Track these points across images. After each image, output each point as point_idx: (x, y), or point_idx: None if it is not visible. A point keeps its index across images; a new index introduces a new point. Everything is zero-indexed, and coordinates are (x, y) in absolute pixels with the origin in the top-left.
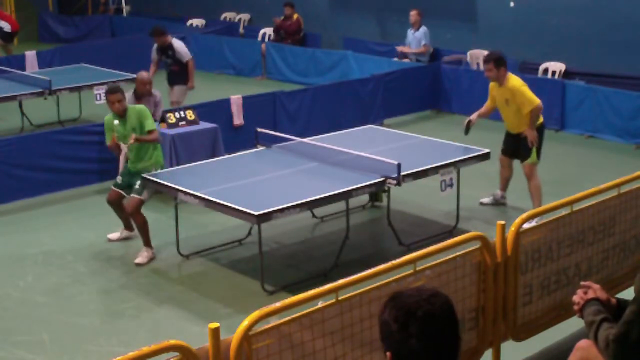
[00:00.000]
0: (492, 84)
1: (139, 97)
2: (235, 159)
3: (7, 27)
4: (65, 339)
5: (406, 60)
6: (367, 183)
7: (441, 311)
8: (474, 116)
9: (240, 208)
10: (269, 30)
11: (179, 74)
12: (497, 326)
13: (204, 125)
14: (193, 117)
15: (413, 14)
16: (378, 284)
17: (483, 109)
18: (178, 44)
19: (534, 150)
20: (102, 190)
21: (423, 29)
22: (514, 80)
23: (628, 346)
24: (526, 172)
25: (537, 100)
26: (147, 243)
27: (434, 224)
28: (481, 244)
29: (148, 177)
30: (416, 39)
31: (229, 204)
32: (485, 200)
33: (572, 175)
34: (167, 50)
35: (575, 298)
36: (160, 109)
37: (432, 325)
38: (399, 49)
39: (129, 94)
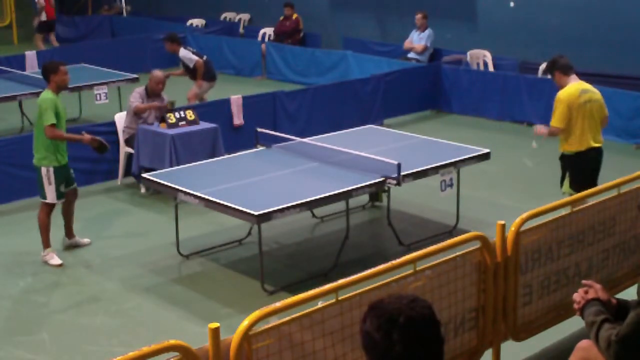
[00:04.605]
0: (572, 92)
1: (150, 95)
2: (235, 159)
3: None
4: (65, 339)
5: (410, 57)
6: (367, 183)
7: (422, 315)
8: None
9: (240, 208)
10: (269, 30)
11: (193, 77)
12: (497, 326)
13: (204, 125)
14: (193, 117)
15: (419, 17)
16: (378, 284)
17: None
18: (183, 53)
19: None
20: (103, 190)
21: (429, 31)
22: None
23: (630, 348)
24: None
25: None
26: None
27: (434, 224)
28: (481, 244)
29: (148, 177)
30: (421, 41)
31: (229, 204)
32: None
33: None
34: (179, 59)
35: (576, 297)
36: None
37: (414, 330)
38: (406, 43)
39: (140, 89)
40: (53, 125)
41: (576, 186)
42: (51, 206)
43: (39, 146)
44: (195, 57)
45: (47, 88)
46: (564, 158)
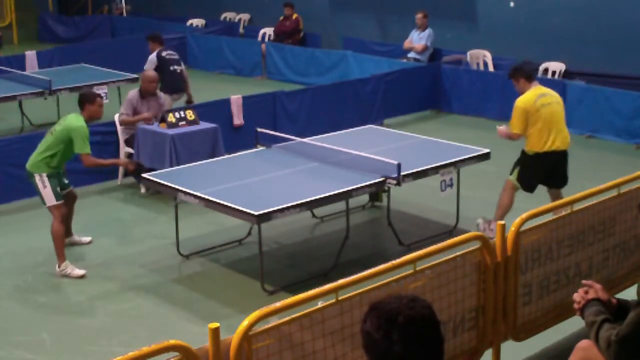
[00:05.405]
0: (529, 99)
1: (144, 95)
2: (235, 159)
3: None
4: (65, 339)
5: (410, 57)
6: (367, 183)
7: (421, 315)
8: None
9: (240, 208)
10: (269, 30)
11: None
12: (497, 326)
13: (204, 125)
14: (193, 117)
15: (419, 17)
16: (378, 284)
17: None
18: (150, 57)
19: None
20: (103, 191)
21: (429, 30)
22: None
23: (630, 348)
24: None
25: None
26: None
27: (434, 224)
28: (481, 244)
29: (148, 177)
30: (421, 41)
31: (229, 204)
32: None
33: (572, 175)
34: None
35: (576, 297)
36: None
37: (413, 329)
38: (406, 42)
39: (134, 93)
40: (89, 154)
41: (524, 182)
42: (59, 209)
43: (41, 157)
44: (151, 64)
45: (79, 114)
46: (522, 153)
